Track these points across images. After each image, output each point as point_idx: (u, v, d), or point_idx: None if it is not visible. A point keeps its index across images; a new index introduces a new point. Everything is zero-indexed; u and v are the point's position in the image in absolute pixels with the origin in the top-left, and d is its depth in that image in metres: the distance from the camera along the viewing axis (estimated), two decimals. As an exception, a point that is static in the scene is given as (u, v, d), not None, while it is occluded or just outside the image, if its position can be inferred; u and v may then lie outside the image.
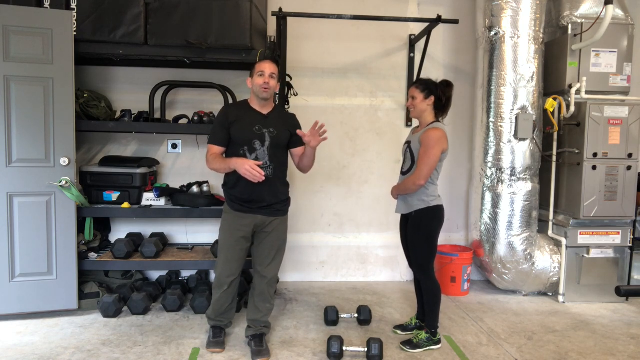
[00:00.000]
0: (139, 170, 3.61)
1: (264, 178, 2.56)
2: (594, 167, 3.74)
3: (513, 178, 3.84)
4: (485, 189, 3.96)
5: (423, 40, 3.96)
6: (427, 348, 2.92)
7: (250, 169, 2.52)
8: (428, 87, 2.87)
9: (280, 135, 2.75)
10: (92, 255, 3.55)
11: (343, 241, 4.34)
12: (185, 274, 4.03)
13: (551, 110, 3.79)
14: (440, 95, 2.87)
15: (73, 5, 3.24)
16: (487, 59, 3.92)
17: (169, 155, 4.05)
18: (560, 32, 4.01)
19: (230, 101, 3.81)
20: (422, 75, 3.85)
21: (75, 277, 3.31)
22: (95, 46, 3.33)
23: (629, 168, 3.78)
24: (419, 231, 2.88)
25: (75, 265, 3.31)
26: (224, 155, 2.77)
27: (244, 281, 3.60)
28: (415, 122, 4.20)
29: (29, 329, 3.12)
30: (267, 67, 2.70)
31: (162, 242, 3.76)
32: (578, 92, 3.81)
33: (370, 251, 4.36)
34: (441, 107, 2.91)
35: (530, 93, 3.81)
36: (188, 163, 4.05)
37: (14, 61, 3.10)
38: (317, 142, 2.67)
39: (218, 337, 2.90)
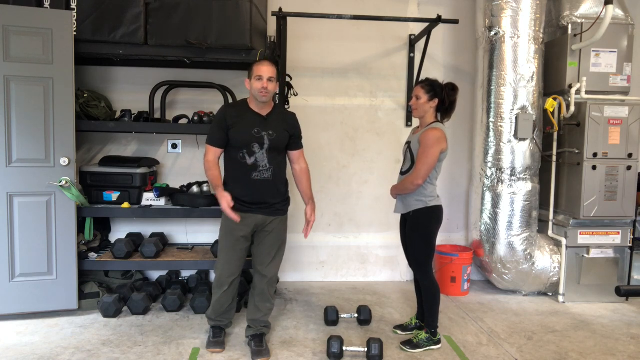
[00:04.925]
0: (139, 170, 3.61)
1: (239, 220, 2.62)
2: (594, 167, 3.74)
3: (513, 178, 3.84)
4: (485, 189, 3.96)
5: (423, 40, 3.96)
6: (427, 348, 2.92)
7: (227, 209, 2.60)
8: (434, 88, 2.85)
9: (279, 137, 2.74)
10: (92, 255, 3.55)
11: (343, 241, 4.34)
12: (185, 274, 4.03)
13: (551, 110, 3.79)
14: (444, 98, 2.85)
15: (73, 5, 3.24)
16: (487, 59, 3.92)
17: (169, 155, 4.05)
18: (560, 32, 4.01)
19: (230, 101, 3.81)
20: (423, 75, 3.85)
21: (75, 277, 3.31)
22: (95, 46, 3.33)
23: (629, 168, 3.78)
24: (417, 231, 2.89)
25: (75, 265, 3.31)
26: (223, 155, 2.78)
27: (244, 281, 3.60)
28: (415, 122, 4.21)
29: (29, 329, 3.12)
30: (265, 71, 2.64)
31: (162, 242, 3.76)
32: (578, 92, 3.81)
33: (370, 251, 4.36)
34: (444, 110, 2.90)
35: (530, 93, 3.81)
36: (188, 163, 4.05)
37: (14, 61, 3.10)
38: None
39: (218, 337, 2.90)
